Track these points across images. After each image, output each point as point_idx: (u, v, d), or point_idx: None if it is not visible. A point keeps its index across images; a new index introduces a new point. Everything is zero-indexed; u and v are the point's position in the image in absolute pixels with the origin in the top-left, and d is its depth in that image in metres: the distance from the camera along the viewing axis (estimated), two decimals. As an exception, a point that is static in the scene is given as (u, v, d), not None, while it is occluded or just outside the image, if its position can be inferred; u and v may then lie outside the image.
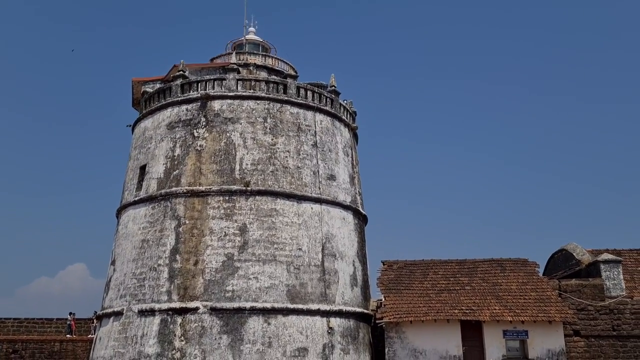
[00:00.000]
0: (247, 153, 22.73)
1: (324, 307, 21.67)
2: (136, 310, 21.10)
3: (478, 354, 21.17)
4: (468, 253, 65.01)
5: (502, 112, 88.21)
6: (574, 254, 27.82)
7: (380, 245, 72.81)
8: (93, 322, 37.48)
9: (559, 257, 30.13)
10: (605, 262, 24.85)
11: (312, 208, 22.94)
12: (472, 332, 21.33)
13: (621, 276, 24.82)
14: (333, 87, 25.96)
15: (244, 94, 23.59)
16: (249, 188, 22.10)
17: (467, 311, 21.27)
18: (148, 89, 25.70)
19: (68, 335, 36.66)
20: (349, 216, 24.58)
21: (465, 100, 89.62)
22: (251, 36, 29.54)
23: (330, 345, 21.38)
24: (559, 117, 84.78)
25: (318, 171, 23.69)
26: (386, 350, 21.35)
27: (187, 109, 23.72)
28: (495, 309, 21.24)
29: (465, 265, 24.61)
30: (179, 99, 23.95)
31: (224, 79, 23.91)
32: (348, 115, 26.79)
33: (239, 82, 23.96)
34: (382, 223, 74.73)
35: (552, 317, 20.56)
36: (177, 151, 23.10)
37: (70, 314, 37.71)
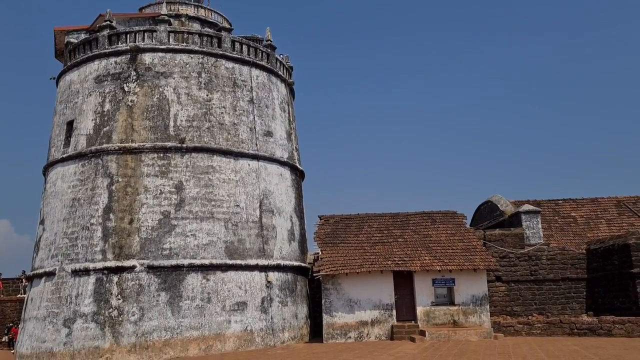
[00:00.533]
0: (182, 109, 22.17)
1: (263, 262, 22.04)
2: (69, 270, 20.62)
3: (409, 301, 22.39)
4: (402, 207, 67.29)
5: (429, 58, 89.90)
6: (498, 205, 29.57)
7: (317, 200, 73.99)
8: (22, 282, 36.35)
9: (485, 209, 31.93)
10: (526, 212, 26.63)
11: (249, 165, 22.90)
12: (404, 281, 22.45)
13: (540, 225, 26.74)
14: (269, 42, 25.48)
15: (176, 47, 22.75)
16: (184, 145, 21.69)
17: (400, 262, 22.30)
18: (72, 40, 24.23)
19: (-5, 296, 35.35)
20: (286, 172, 24.75)
21: (395, 48, 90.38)
22: (183, -15, 28.16)
23: (269, 298, 21.91)
24: (482, 75, 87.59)
25: (255, 127, 23.53)
26: (323, 301, 22.17)
27: (115, 62, 22.64)
28: (425, 260, 22.40)
29: (399, 219, 25.61)
30: (107, 51, 22.78)
31: (155, 31, 22.91)
32: (284, 71, 26.52)
33: (170, 34, 23.04)
34: (319, 178, 75.70)
35: (476, 266, 21.95)
36: (107, 106, 22.16)
37: (-3, 274, 36.25)
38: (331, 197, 76.70)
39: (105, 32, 23.00)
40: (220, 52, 23.35)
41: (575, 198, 30.52)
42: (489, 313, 22.04)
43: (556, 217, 29.27)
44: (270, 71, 25.06)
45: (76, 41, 24.01)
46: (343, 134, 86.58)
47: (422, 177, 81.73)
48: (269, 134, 24.08)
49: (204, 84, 22.70)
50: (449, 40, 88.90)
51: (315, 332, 24.00)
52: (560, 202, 30.36)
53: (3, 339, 29.80)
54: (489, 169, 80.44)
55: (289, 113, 26.16)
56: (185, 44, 22.99)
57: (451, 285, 22.24)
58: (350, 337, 21.72)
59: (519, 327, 21.88)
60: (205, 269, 20.79)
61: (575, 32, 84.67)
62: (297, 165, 25.90)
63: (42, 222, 22.79)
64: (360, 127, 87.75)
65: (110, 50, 22.73)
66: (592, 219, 28.95)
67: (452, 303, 22.24)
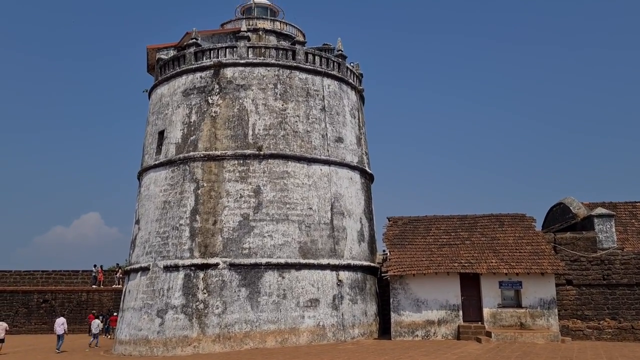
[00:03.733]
0: (259, 118, 23.95)
1: (334, 261, 23.44)
2: (162, 266, 22.97)
3: (476, 302, 22.99)
4: (470, 209, 66.71)
5: (504, 65, 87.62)
6: (570, 207, 29.28)
7: (387, 202, 74.75)
8: (116, 273, 39.99)
9: (557, 211, 31.63)
10: (599, 216, 26.33)
11: (321, 169, 24.34)
12: (470, 283, 23.07)
13: (613, 229, 26.34)
14: (340, 52, 26.76)
15: (254, 61, 24.55)
16: (261, 152, 23.45)
17: (466, 264, 22.94)
18: (162, 56, 26.66)
19: (94, 286, 39.22)
20: (356, 176, 25.99)
21: (469, 53, 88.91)
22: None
23: (339, 296, 23.28)
24: (559, 72, 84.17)
25: (326, 134, 24.92)
26: (391, 300, 23.25)
27: (200, 77, 24.78)
28: (492, 262, 22.89)
29: (466, 221, 26.14)
30: (193, 66, 24.96)
31: (235, 47, 24.82)
32: (355, 78, 27.70)
33: (249, 49, 24.87)
34: (389, 181, 76.38)
35: (544, 269, 22.18)
36: (193, 117, 24.35)
37: (94, 266, 40.15)
38: (401, 199, 77.24)
39: (192, 49, 25.19)
40: (295, 64, 24.91)
41: (654, 200, 29.61)
42: (557, 316, 22.23)
43: (633, 220, 28.61)
44: (341, 80, 26.36)
45: (166, 57, 26.41)
46: (413, 136, 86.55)
47: (495, 179, 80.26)
48: (339, 140, 25.40)
49: (280, 94, 24.36)
50: (515, 47, 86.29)
51: (384, 329, 25.12)
52: (638, 204, 29.59)
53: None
54: (565, 169, 77.69)
55: (358, 119, 27.35)
56: (262, 57, 24.73)
57: (518, 288, 22.60)
58: (417, 335, 22.68)
59: (588, 332, 21.96)
60: (281, 267, 22.46)
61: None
62: (367, 169, 27.06)
63: (137, 222, 25.39)
64: (430, 129, 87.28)
65: (196, 65, 24.89)
66: (672, 222, 28.03)
67: (519, 305, 22.60)
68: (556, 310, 22.34)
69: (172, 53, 26.60)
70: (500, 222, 25.81)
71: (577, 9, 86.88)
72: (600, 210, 26.63)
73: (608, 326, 22.01)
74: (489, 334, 21.21)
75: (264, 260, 22.33)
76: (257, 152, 23.45)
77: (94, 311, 34.17)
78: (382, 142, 78.57)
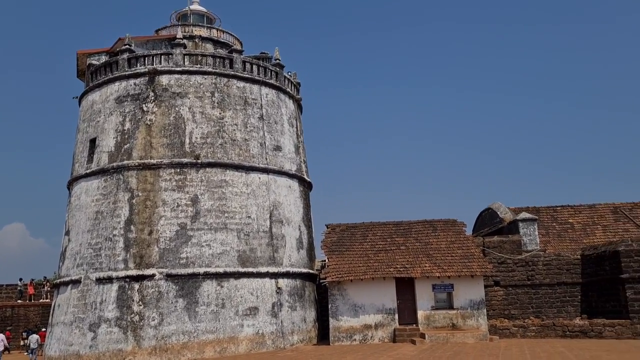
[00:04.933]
0: (197, 127, 23.75)
1: (273, 269, 23.55)
2: (94, 278, 22.25)
3: (411, 305, 23.76)
4: (405, 215, 68.72)
5: (438, 70, 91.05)
6: (498, 212, 30.87)
7: (325, 209, 75.67)
8: (44, 287, 38.14)
9: (486, 215, 33.23)
10: (523, 220, 27.93)
11: (259, 178, 24.42)
12: (405, 287, 23.83)
13: (536, 232, 28.01)
14: (277, 60, 27.01)
15: (191, 69, 24.35)
16: (199, 160, 23.26)
17: (401, 269, 23.69)
18: (94, 62, 25.91)
19: (19, 301, 37.21)
20: (295, 184, 26.26)
21: (402, 62, 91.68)
22: (195, 6, 29.83)
23: (279, 303, 23.41)
24: (484, 80, 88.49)
25: (265, 143, 25.05)
26: (329, 306, 23.62)
27: (135, 84, 24.28)
28: (425, 266, 23.76)
29: (401, 227, 26.98)
30: (127, 73, 24.43)
31: (171, 54, 24.52)
32: (292, 87, 28.02)
33: (185, 56, 24.64)
34: (327, 189, 77.30)
35: (474, 272, 23.27)
36: (127, 125, 23.80)
37: (20, 279, 38.11)
38: (339, 206, 78.26)
39: (125, 56, 24.64)
40: (232, 72, 24.91)
41: (573, 204, 31.72)
42: (485, 316, 23.34)
43: (554, 224, 30.50)
44: (278, 89, 26.59)
45: (97, 63, 25.68)
46: (350, 143, 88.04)
47: (429, 185, 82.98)
48: (278, 148, 25.59)
49: (217, 103, 24.27)
50: (453, 36, 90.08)
51: (323, 335, 25.46)
52: (559, 208, 31.58)
53: (22, 343, 31.34)
54: (495, 175, 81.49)
55: (296, 127, 27.66)
56: (199, 65, 24.57)
57: (450, 290, 23.57)
58: (355, 340, 23.15)
59: (514, 330, 23.20)
60: (220, 276, 22.33)
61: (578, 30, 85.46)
62: (305, 177, 27.39)
63: (67, 233, 24.46)
64: (365, 137, 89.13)
65: (130, 72, 24.38)
66: (589, 225, 30.13)
67: (451, 307, 23.56)
68: (485, 310, 23.46)
69: (104, 59, 25.91)
70: (434, 228, 26.83)
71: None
72: (524, 215, 28.25)
73: (532, 324, 23.35)
74: (423, 336, 21.99)
75: (202, 270, 22.12)
76: (195, 161, 23.24)
77: (10, 327, 32.41)
78: (320, 150, 79.43)
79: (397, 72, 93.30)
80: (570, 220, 30.52)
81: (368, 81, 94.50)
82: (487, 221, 32.56)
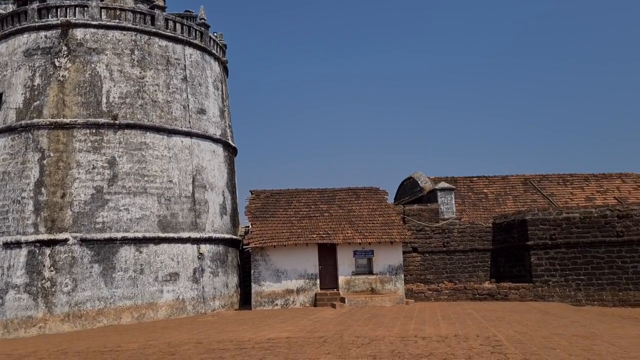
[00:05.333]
0: (115, 86, 22.58)
1: (195, 235, 23.18)
2: (0, 243, 20.97)
3: (332, 271, 24.29)
4: (331, 182, 69.60)
5: (363, 42, 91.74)
6: (418, 181, 31.90)
7: (251, 175, 74.95)
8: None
9: (407, 184, 34.26)
10: (442, 189, 29.05)
11: (182, 141, 23.72)
12: (328, 253, 24.29)
13: (453, 201, 29.26)
14: (203, 20, 26.05)
15: (108, 23, 22.96)
16: (117, 121, 22.21)
17: (324, 235, 24.07)
18: (0, 10, 23.81)
19: None
20: (219, 149, 25.75)
21: (334, 32, 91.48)
22: (115, -43, 27.95)
23: (200, 269, 23.16)
24: (410, 44, 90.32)
25: (188, 105, 24.28)
26: (252, 271, 23.68)
27: (46, 36, 22.60)
28: (347, 233, 24.27)
29: (326, 194, 27.28)
30: (37, 24, 22.66)
31: (86, 6, 22.95)
32: (218, 49, 27.19)
33: (102, 10, 23.17)
34: (253, 154, 76.49)
35: (393, 239, 24.05)
36: (37, 81, 22.23)
37: None
38: (265, 172, 77.96)
39: (35, 5, 22.82)
40: (154, 29, 23.74)
41: (488, 175, 33.35)
42: (403, 281, 24.30)
43: (470, 193, 31.98)
44: (203, 50, 25.70)
45: (4, 12, 23.64)
46: (276, 109, 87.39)
47: (354, 152, 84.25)
48: (202, 111, 24.90)
49: (137, 61, 23.12)
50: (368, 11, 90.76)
51: (245, 300, 25.56)
52: (475, 179, 33.10)
53: None
54: (417, 145, 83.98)
55: (222, 91, 26.99)
56: (117, 20, 23.21)
57: (370, 256, 24.28)
58: (277, 305, 23.43)
59: (429, 294, 24.35)
60: (139, 241, 21.70)
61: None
62: (230, 142, 26.91)
63: (-30, 195, 22.76)
64: (293, 103, 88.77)
65: (41, 24, 22.64)
66: (501, 195, 31.84)
67: (370, 272, 24.30)
68: (402, 275, 24.40)
69: (11, 8, 23.93)
70: (357, 195, 27.34)
71: None
72: (442, 185, 29.39)
73: (446, 288, 24.59)
74: (343, 300, 22.59)
75: (119, 235, 21.39)
76: (112, 122, 22.17)
77: None
78: (246, 116, 78.27)
79: (327, 39, 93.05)
80: (485, 190, 32.11)
81: (298, 48, 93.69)
82: (408, 190, 33.61)
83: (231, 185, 26.63)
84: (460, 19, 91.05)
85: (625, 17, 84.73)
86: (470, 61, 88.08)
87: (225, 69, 28.13)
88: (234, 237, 25.95)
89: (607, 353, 10.48)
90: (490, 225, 27.70)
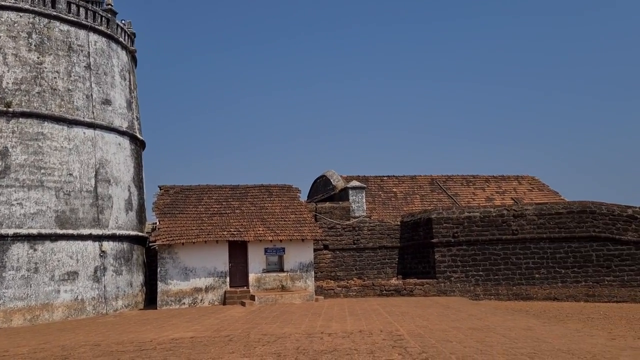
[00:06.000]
0: (9, 70, 20.88)
1: (97, 231, 21.98)
2: None
3: (243, 269, 24.01)
4: (243, 179, 68.91)
5: (277, 43, 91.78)
6: (331, 180, 32.33)
7: (160, 170, 72.54)
8: None
9: (320, 182, 34.63)
10: (353, 188, 29.61)
11: (84, 133, 22.41)
12: (238, 251, 23.97)
13: (364, 200, 29.93)
14: (109, 6, 24.74)
15: (3, 3, 21.16)
16: (10, 109, 20.55)
17: (235, 232, 23.73)
18: None
19: None
20: (125, 142, 24.61)
21: (244, 28, 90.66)
22: None
23: (102, 267, 22.00)
24: (325, 50, 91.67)
25: (92, 95, 22.97)
26: (158, 269, 22.86)
27: None
28: (259, 230, 24.09)
29: (238, 191, 26.92)
30: None
31: (-22, -17, 21.06)
32: (126, 37, 25.97)
33: (-3, -13, 21.34)
34: (163, 149, 74.01)
35: (304, 236, 24.17)
36: None
37: None
38: (175, 167, 75.73)
39: None
40: (54, 13, 22.21)
41: (398, 175, 34.45)
42: (313, 278, 24.49)
43: (380, 192, 32.88)
44: (110, 37, 24.42)
45: None
46: (187, 103, 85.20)
47: (268, 149, 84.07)
48: (107, 102, 23.66)
49: (35, 45, 21.54)
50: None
51: (151, 299, 24.64)
52: (385, 178, 34.08)
53: None
54: (331, 144, 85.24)
55: (129, 81, 25.80)
56: (14, 0, 21.47)
57: (282, 253, 24.25)
58: (184, 304, 22.78)
59: (338, 290, 24.73)
60: (33, 238, 20.23)
61: None
62: (137, 135, 25.80)
63: None
64: (204, 97, 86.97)
65: None
66: (409, 194, 33.02)
67: (281, 270, 24.29)
68: (313, 272, 24.60)
69: None
70: (270, 193, 27.21)
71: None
72: (354, 183, 29.97)
73: (355, 284, 25.09)
74: (253, 298, 22.38)
75: (11, 231, 19.81)
76: (5, 109, 20.48)
77: None
78: (156, 109, 75.54)
79: (242, 32, 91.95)
80: (394, 190, 33.15)
81: (212, 40, 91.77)
82: (321, 188, 33.98)
83: (138, 180, 25.54)
84: (356, 15, 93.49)
85: (512, 22, 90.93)
86: (382, 62, 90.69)
87: (133, 59, 26.92)
88: (140, 234, 24.92)
89: (497, 344, 11.11)
90: (399, 223, 28.61)
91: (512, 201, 32.15)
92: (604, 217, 25.18)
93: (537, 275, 24.95)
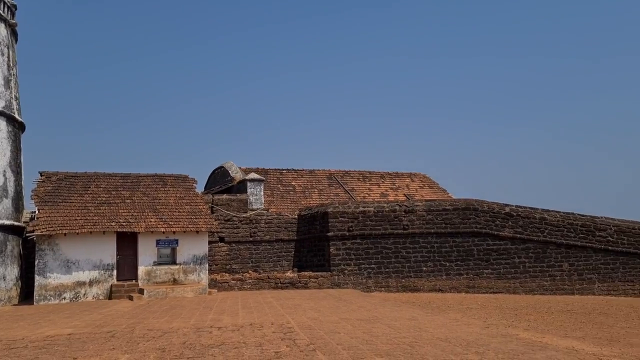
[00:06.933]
0: None
1: (-36, 220, 19.89)
2: None
3: (132, 261, 22.90)
4: (137, 167, 65.87)
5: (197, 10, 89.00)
6: (229, 171, 31.83)
7: (42, 155, 67.49)
8: None
9: (218, 173, 33.98)
10: (252, 180, 29.36)
11: (-48, 110, 20.15)
12: (128, 242, 22.82)
13: (262, 192, 29.77)
14: (-13, -28, 22.42)
15: None
16: None
17: (124, 223, 22.56)
18: None
19: None
20: (2, 123, 22.47)
21: (141, 7, 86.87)
22: None
23: (-31, 260, 19.94)
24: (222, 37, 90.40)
25: (-38, 68, 20.68)
26: (36, 262, 21.17)
27: None
28: (151, 221, 23.10)
29: (129, 179, 25.64)
30: None
31: None
32: (5, 9, 23.66)
33: None
34: (47, 132, 68.83)
35: (199, 228, 23.55)
36: None
37: None
38: (59, 152, 70.79)
39: None
40: None
41: (297, 169, 34.70)
42: (207, 271, 23.95)
43: (279, 185, 32.92)
44: (-14, 6, 22.14)
45: None
46: (76, 84, 79.95)
47: (165, 138, 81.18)
48: (-19, 77, 21.43)
49: None
50: None
51: (28, 294, 22.81)
52: (285, 171, 34.20)
53: None
54: (231, 135, 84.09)
55: (8, 57, 23.57)
56: None
57: (174, 246, 23.45)
58: (65, 298, 21.31)
59: (232, 283, 24.40)
60: None
61: None
62: (16, 115, 23.65)
63: None
64: (95, 80, 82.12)
65: None
66: (308, 188, 33.37)
67: (174, 262, 23.49)
68: (207, 265, 24.05)
69: None
70: (164, 182, 26.21)
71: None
72: (253, 175, 29.71)
73: (250, 277, 24.89)
74: (142, 292, 21.45)
75: None
76: None
77: None
78: (39, 88, 69.96)
79: (137, 12, 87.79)
80: (293, 183, 33.34)
81: (102, 20, 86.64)
82: (219, 179, 33.36)
83: (15, 165, 23.44)
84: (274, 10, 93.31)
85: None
86: (284, 55, 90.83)
87: (14, 33, 24.59)
88: (17, 223, 22.91)
89: (382, 334, 11.50)
90: (296, 216, 28.78)
91: (405, 197, 33.58)
92: (485, 214, 27.02)
93: (424, 268, 26.24)
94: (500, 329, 13.30)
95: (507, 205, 27.60)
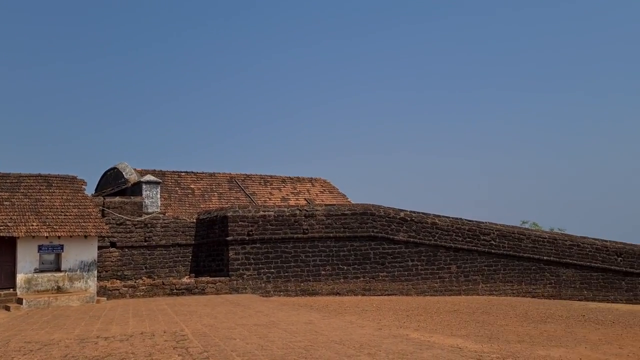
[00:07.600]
0: None
1: None
2: None
3: (9, 268, 21.05)
4: (17, 167, 61.00)
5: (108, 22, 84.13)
6: (123, 172, 30.29)
7: None
8: None
9: (111, 175, 32.22)
10: (147, 182, 28.16)
11: None
12: (5, 248, 20.97)
13: (159, 195, 28.64)
14: None
15: None
16: None
17: (2, 227, 20.69)
18: None
19: None
20: None
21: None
22: None
23: None
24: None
25: None
26: None
27: None
28: (32, 225, 21.37)
29: (8, 180, 23.56)
30: None
31: None
32: None
33: None
34: None
35: (88, 233, 22.13)
36: None
37: None
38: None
39: None
40: None
41: (196, 171, 33.81)
42: (95, 278, 22.56)
43: (177, 188, 31.87)
44: None
45: None
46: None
47: (55, 138, 75.92)
48: None
49: None
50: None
51: None
52: (183, 174, 33.18)
53: None
54: (125, 134, 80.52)
55: None
56: None
57: (59, 251, 21.86)
58: None
59: (124, 290, 23.20)
60: None
61: None
62: None
63: None
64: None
65: None
66: (207, 192, 32.61)
67: (58, 269, 21.89)
68: (96, 272, 22.66)
69: None
70: (49, 184, 24.37)
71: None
72: (148, 178, 28.51)
73: (143, 284, 23.80)
74: (20, 301, 19.78)
75: None
76: None
77: None
78: None
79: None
80: (192, 186, 32.44)
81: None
82: (112, 181, 31.63)
83: None
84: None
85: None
86: (189, 55, 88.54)
87: None
88: None
89: (278, 339, 11.46)
90: (194, 220, 28.01)
91: (305, 202, 33.89)
92: (381, 219, 27.96)
93: (323, 272, 26.60)
94: (392, 330, 13.78)
95: (402, 210, 28.76)
